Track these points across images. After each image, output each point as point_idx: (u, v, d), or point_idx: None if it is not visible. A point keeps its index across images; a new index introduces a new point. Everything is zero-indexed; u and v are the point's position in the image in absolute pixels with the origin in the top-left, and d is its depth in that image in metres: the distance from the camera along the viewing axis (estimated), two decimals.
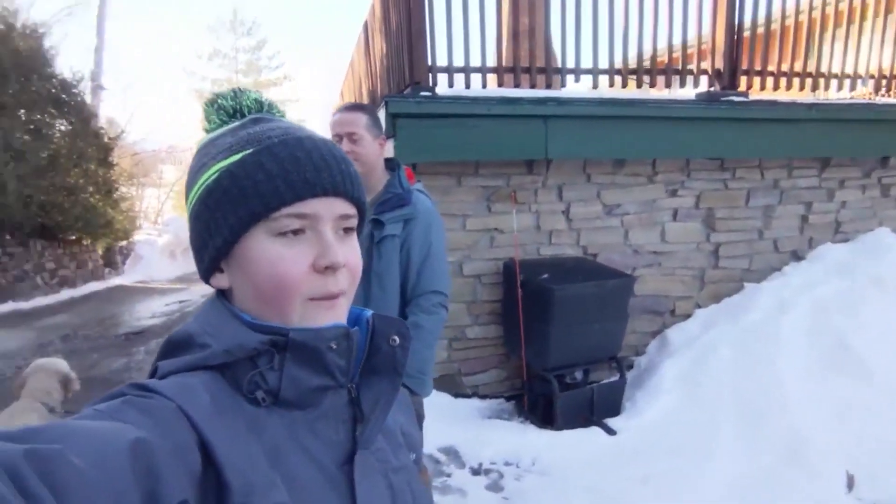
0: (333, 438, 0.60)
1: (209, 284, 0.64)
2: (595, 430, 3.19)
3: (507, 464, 3.00)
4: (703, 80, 3.95)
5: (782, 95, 4.09)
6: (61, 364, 2.89)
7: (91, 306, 8.57)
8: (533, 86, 3.75)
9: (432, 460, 3.06)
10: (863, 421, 2.96)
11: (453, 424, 3.38)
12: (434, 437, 3.23)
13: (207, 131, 0.65)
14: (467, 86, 3.62)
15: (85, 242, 11.83)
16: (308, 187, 0.57)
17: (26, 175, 8.80)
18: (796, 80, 4.01)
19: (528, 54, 3.81)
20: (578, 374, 3.41)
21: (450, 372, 3.77)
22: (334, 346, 0.58)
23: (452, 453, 3.12)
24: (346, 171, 0.61)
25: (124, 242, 14.42)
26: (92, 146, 11.51)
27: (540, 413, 3.44)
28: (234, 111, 0.65)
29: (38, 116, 10.26)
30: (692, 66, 3.88)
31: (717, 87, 3.89)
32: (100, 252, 12.82)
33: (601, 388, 3.40)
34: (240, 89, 0.67)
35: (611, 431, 3.17)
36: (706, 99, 3.82)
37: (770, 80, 3.97)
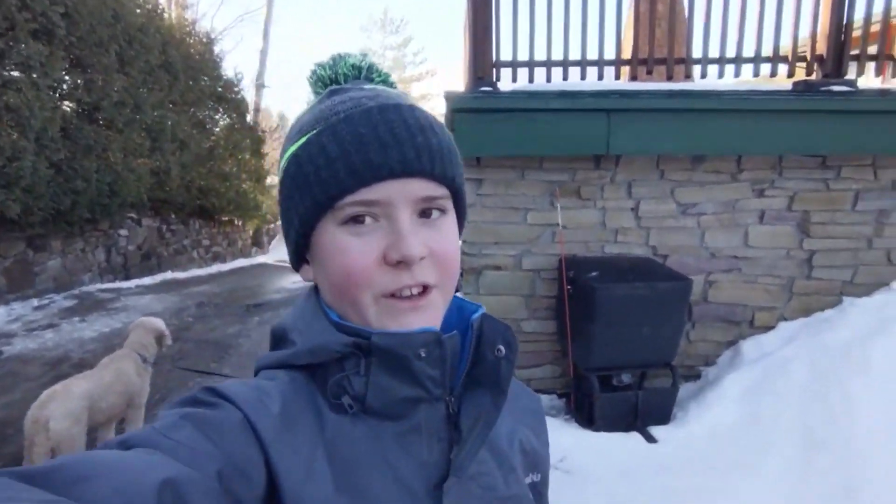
0: (426, 458, 0.53)
1: (300, 276, 0.60)
2: (634, 436, 3.07)
3: None
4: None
5: None
6: (158, 322, 3.43)
7: (232, 279, 9.76)
8: (669, 78, 3.63)
9: None
10: None
11: None
12: None
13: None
14: (530, 80, 3.62)
15: (237, 223, 13.45)
16: (372, 170, 0.50)
17: (189, 163, 10.21)
18: None
19: (652, 44, 3.57)
20: (626, 378, 3.29)
21: None
22: (423, 355, 0.51)
23: None
24: (424, 143, 0.52)
25: (272, 225, 16.15)
26: (247, 138, 13.05)
27: (585, 413, 3.37)
28: (330, 80, 0.59)
29: (203, 112, 11.83)
30: (786, 54, 3.50)
31: (818, 76, 3.48)
32: (249, 232, 14.49)
33: (648, 394, 3.24)
34: (339, 55, 0.61)
35: (651, 439, 3.04)
36: (803, 89, 3.43)
37: (890, 67, 3.45)
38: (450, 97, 3.45)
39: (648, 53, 3.53)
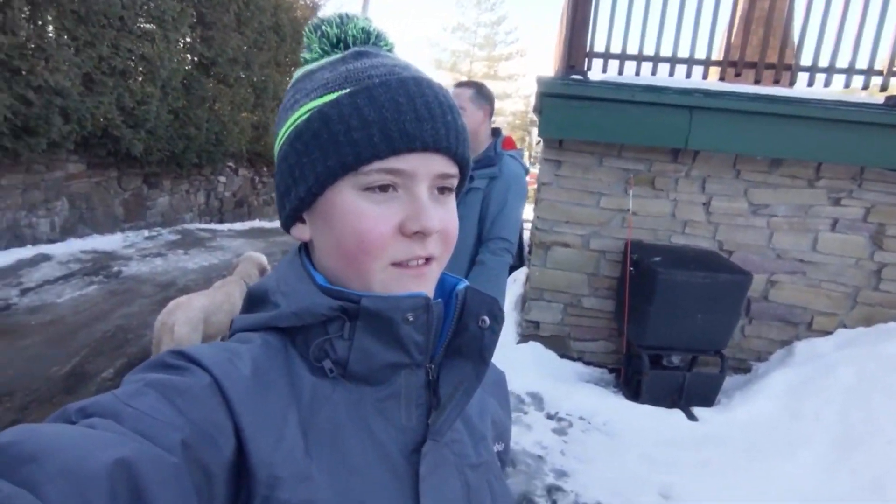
0: (404, 423, 0.54)
1: (290, 234, 0.59)
2: (677, 413, 3.30)
3: (581, 418, 3.31)
4: None
5: None
6: (262, 257, 3.95)
7: None
8: (757, 81, 3.75)
9: (517, 399, 3.50)
10: None
11: (548, 377, 3.75)
12: (526, 382, 3.66)
13: (307, 61, 0.59)
14: (620, 72, 3.81)
15: None
16: (406, 140, 0.51)
17: None
18: None
19: (760, 46, 3.68)
20: (676, 359, 3.50)
21: (560, 334, 4.11)
22: (411, 319, 0.52)
23: (537, 398, 3.52)
24: (453, 122, 0.54)
25: None
26: None
27: (633, 387, 3.62)
28: (337, 40, 0.58)
29: None
30: (882, 68, 3.52)
31: None
32: None
33: (695, 377, 3.45)
34: (347, 15, 0.59)
35: (692, 417, 3.26)
36: (893, 104, 3.46)
37: None
38: (541, 81, 3.71)
39: (740, 57, 3.65)
